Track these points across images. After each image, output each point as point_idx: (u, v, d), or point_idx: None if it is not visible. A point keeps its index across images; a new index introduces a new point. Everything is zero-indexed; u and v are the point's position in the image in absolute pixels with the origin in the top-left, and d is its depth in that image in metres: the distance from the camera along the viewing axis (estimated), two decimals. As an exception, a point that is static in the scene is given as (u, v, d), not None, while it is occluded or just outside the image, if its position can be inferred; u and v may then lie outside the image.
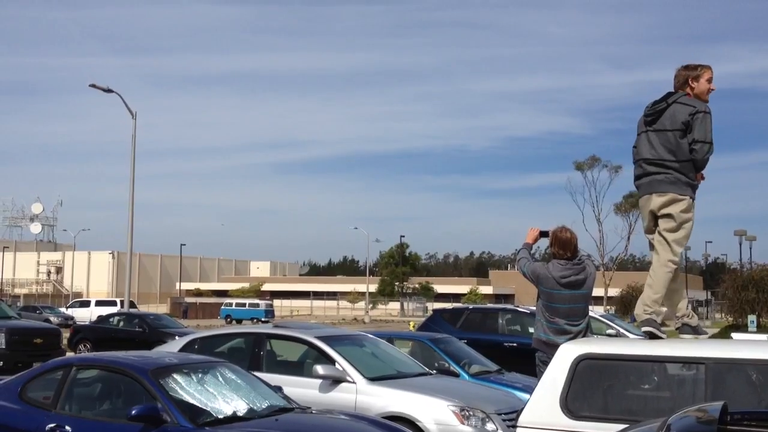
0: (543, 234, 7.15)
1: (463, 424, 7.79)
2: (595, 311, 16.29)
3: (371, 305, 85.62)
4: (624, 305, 63.88)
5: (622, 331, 15.79)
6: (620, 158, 69.65)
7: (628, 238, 65.13)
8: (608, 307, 60.93)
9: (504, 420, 7.98)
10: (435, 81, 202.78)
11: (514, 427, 5.43)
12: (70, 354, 18.15)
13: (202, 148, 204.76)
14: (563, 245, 6.85)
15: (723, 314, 64.58)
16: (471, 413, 7.88)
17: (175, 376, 6.49)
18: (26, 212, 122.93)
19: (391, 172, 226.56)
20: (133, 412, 5.99)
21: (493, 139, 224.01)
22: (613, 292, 64.58)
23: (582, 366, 5.10)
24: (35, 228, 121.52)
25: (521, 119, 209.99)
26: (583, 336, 6.64)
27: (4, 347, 16.28)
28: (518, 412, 5.60)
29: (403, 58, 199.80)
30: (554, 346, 5.84)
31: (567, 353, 5.21)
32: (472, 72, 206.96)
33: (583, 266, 6.86)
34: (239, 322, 58.93)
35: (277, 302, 78.08)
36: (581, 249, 7.09)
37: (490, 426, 7.87)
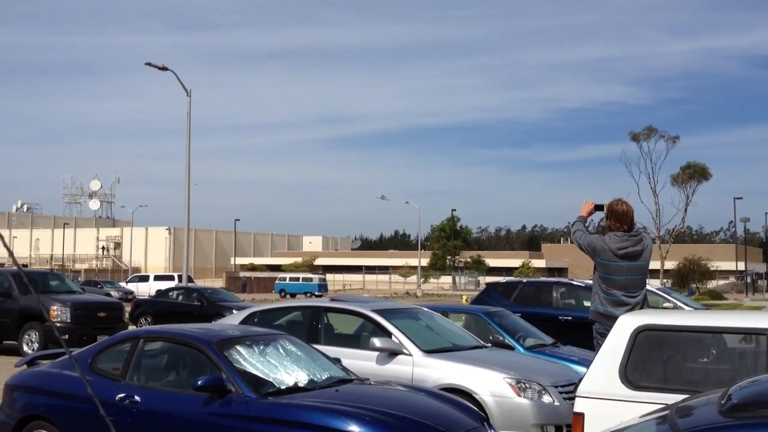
0: (598, 207, 7.13)
1: (520, 396, 7.84)
2: (652, 284, 16.11)
3: (423, 279, 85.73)
4: (681, 278, 62.96)
5: (679, 304, 15.62)
6: (678, 128, 68.19)
7: (686, 210, 63.77)
8: (665, 281, 60.00)
9: (560, 392, 8.01)
10: (488, 53, 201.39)
11: (571, 399, 5.48)
12: (132, 327, 18.65)
13: (256, 124, 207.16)
14: (619, 218, 6.83)
15: (783, 287, 63.16)
16: (527, 385, 7.93)
17: (238, 347, 6.66)
18: (85, 189, 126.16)
19: (443, 145, 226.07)
20: (199, 382, 6.18)
21: (547, 111, 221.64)
22: (670, 265, 63.54)
23: (641, 337, 5.12)
24: (94, 204, 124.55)
25: (575, 90, 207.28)
26: (641, 308, 6.64)
27: (69, 321, 16.76)
28: (575, 384, 5.64)
29: (456, 31, 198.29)
30: (612, 318, 5.85)
31: (626, 324, 5.23)
32: (525, 43, 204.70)
33: (640, 238, 6.83)
34: (293, 296, 59.69)
35: (329, 277, 78.65)
36: (637, 221, 7.05)
37: (546, 398, 7.91)
